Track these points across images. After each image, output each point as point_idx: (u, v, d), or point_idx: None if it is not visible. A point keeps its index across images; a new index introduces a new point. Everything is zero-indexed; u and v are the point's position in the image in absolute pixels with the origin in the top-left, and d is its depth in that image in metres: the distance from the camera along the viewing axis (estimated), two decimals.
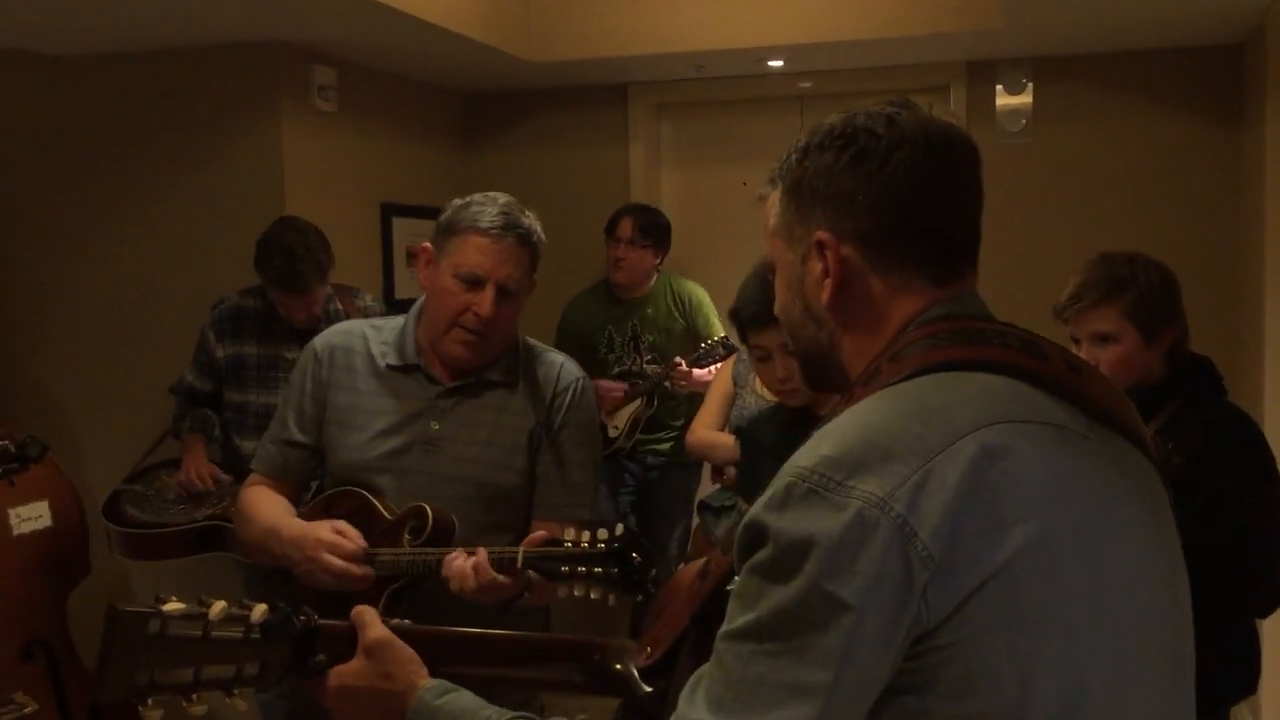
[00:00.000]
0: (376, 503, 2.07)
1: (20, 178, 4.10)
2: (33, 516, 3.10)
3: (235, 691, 1.23)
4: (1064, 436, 1.03)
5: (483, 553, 1.87)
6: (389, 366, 2.14)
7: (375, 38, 3.89)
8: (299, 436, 2.16)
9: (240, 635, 1.24)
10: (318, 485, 2.24)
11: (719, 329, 4.36)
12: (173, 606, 1.21)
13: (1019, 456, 0.98)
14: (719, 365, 4.17)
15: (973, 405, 1.00)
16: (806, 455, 0.98)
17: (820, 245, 1.11)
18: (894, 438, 0.97)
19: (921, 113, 1.13)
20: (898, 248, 1.09)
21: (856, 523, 0.93)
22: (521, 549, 1.86)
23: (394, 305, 4.43)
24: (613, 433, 4.44)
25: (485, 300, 2.05)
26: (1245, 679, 2.31)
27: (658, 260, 4.45)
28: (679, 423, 4.48)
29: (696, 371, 4.17)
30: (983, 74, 4.57)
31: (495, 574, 1.85)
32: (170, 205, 3.95)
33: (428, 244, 2.14)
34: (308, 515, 2.14)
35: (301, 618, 1.28)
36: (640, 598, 1.77)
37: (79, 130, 4.02)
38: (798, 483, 0.96)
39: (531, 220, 2.12)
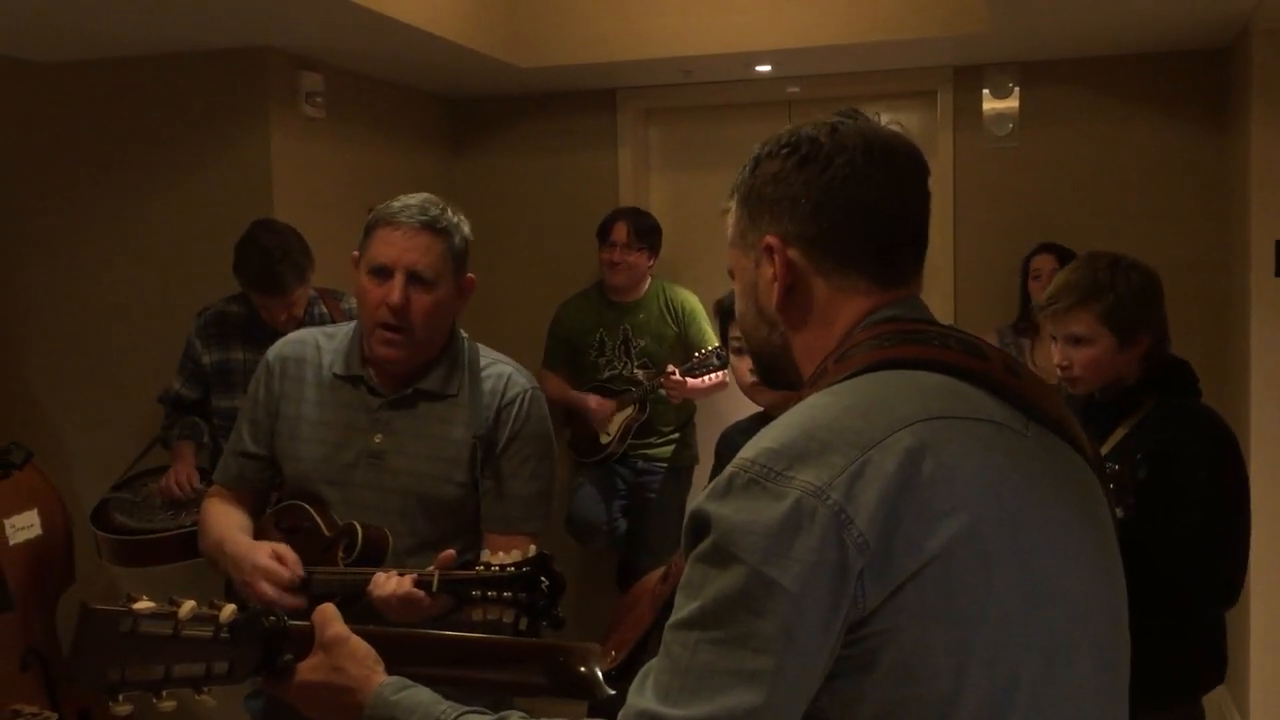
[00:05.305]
0: (319, 519, 2.07)
1: (6, 185, 4.09)
2: (25, 525, 3.10)
3: (204, 689, 1.24)
4: (1001, 433, 1.07)
5: (408, 581, 1.85)
6: (335, 376, 2.13)
7: (363, 43, 3.90)
8: (252, 448, 2.17)
9: (210, 634, 1.25)
10: (279, 494, 2.24)
11: (713, 339, 4.36)
12: (143, 605, 1.22)
13: (954, 450, 1.01)
14: (712, 375, 4.18)
15: (912, 400, 1.03)
16: (750, 448, 1.01)
17: (769, 249, 1.15)
18: (833, 431, 1.00)
19: (867, 122, 1.17)
20: (839, 250, 1.13)
21: (794, 511, 0.96)
22: (436, 572, 1.84)
23: None
24: (604, 439, 4.45)
25: (394, 288, 1.99)
26: (1214, 670, 2.35)
27: (651, 263, 4.47)
28: (670, 428, 4.49)
29: (690, 381, 4.18)
30: (969, 79, 4.58)
31: (419, 594, 1.83)
32: (158, 212, 3.95)
33: (356, 251, 2.12)
34: (260, 528, 2.15)
35: (270, 618, 1.29)
36: (545, 624, 1.71)
37: (66, 138, 4.01)
38: (740, 473, 0.99)
39: (448, 214, 2.06)
